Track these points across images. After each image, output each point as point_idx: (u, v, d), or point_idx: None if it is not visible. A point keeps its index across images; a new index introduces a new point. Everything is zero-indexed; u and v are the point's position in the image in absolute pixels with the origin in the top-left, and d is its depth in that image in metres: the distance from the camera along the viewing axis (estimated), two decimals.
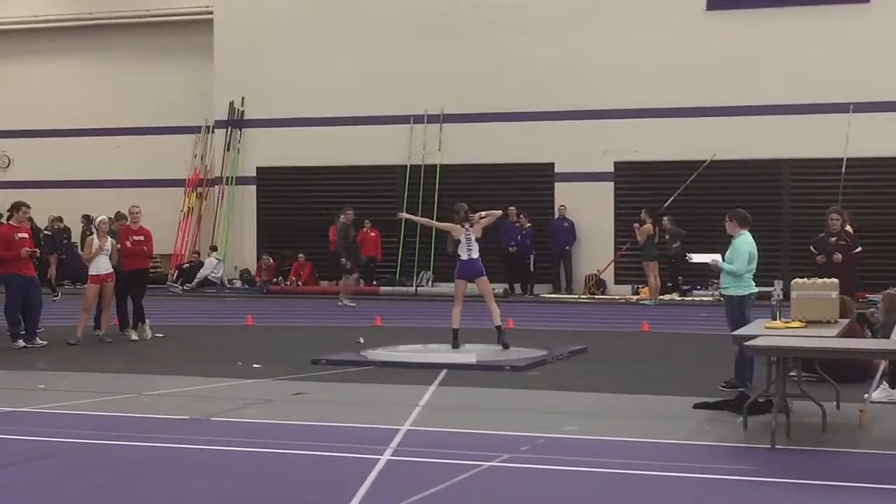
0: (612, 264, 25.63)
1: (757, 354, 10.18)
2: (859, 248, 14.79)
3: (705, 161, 24.54)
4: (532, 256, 25.88)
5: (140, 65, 30.20)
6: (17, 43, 31.28)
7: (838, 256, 14.30)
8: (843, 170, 23.67)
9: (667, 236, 24.25)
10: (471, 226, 14.96)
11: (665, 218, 24.32)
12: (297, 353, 14.80)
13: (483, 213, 15.32)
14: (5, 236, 16.00)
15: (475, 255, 14.92)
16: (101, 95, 30.36)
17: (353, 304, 22.96)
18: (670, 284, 24.56)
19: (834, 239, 14.67)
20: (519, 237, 25.32)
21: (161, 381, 12.68)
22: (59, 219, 28.74)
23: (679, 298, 24.10)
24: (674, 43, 25.42)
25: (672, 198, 24.36)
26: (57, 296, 23.77)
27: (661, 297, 23.63)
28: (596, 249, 25.89)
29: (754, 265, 11.98)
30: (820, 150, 24.24)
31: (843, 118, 23.82)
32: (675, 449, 9.04)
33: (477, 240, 14.97)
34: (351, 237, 23.83)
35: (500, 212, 16.28)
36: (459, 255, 15.01)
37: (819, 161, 24.41)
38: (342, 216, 23.52)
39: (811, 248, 15.22)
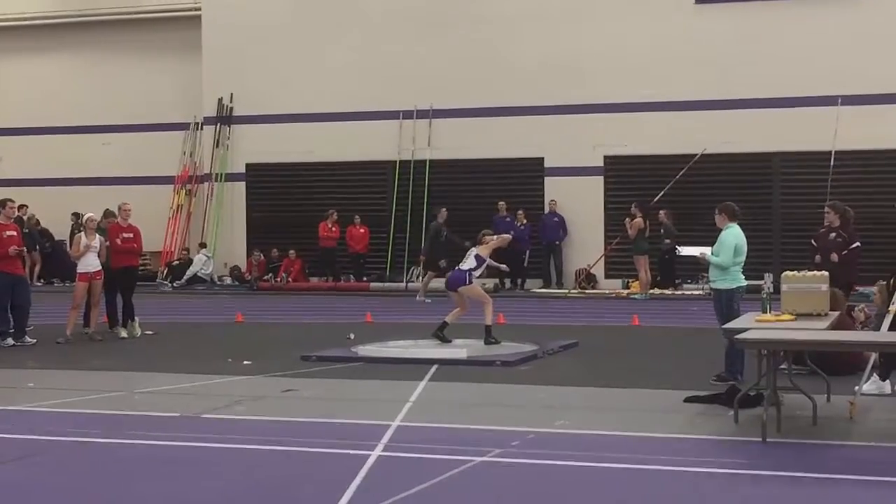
0: (603, 259, 25.64)
1: (748, 348, 10.19)
2: (857, 244, 14.73)
3: (696, 155, 24.54)
4: (528, 252, 25.87)
5: (128, 62, 30.11)
6: (4, 40, 31.14)
7: (834, 257, 14.28)
8: (832, 162, 23.71)
9: (661, 230, 24.24)
10: (476, 244, 15.44)
11: (661, 212, 24.30)
12: (287, 350, 14.78)
13: (495, 237, 15.94)
14: None
15: (464, 266, 15.22)
16: (89, 92, 30.26)
17: (429, 300, 22.83)
18: (659, 278, 24.56)
19: (833, 235, 14.63)
20: (513, 232, 25.20)
21: (151, 379, 12.63)
22: (37, 222, 28.41)
23: (670, 292, 24.08)
24: (664, 37, 25.42)
25: (663, 192, 24.37)
26: None
27: (651, 291, 23.65)
28: (586, 244, 25.88)
29: (742, 258, 11.97)
30: (810, 142, 24.27)
31: (831, 111, 23.86)
32: (667, 443, 9.03)
33: (478, 257, 15.22)
34: (442, 237, 23.70)
35: (509, 237, 17.46)
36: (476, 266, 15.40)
37: (809, 154, 24.44)
38: (438, 216, 23.70)
39: (812, 242, 15.19)
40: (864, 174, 24.13)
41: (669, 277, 24.61)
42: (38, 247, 27.10)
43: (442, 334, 14.95)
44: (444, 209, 24.03)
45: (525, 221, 25.83)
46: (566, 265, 26.14)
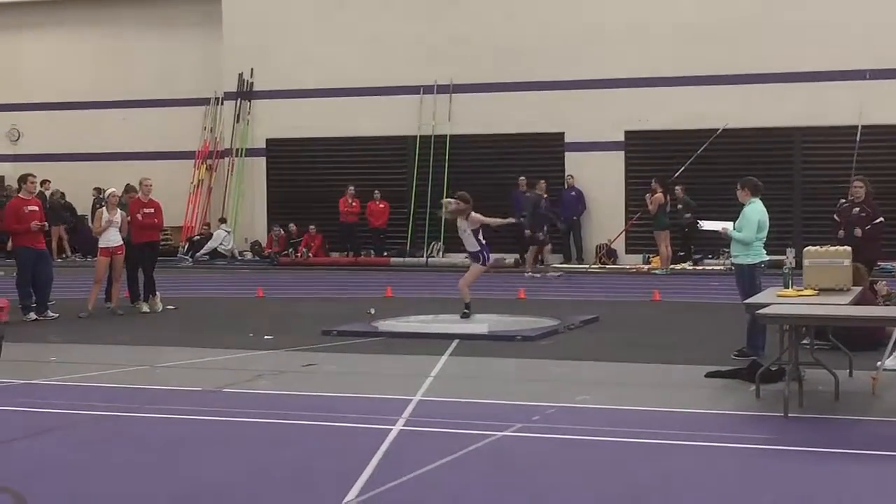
0: (623, 234, 25.57)
1: (769, 322, 10.15)
2: (881, 219, 14.61)
3: (717, 129, 24.40)
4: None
5: (149, 37, 30.10)
6: (26, 16, 31.14)
7: (858, 231, 14.19)
8: (858, 138, 23.52)
9: (679, 205, 24.17)
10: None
11: (677, 187, 24.22)
12: (307, 325, 14.81)
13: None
14: (16, 209, 15.99)
15: (483, 241, 15.25)
16: (110, 68, 30.29)
17: (539, 275, 22.72)
18: (682, 253, 24.51)
19: (857, 210, 14.51)
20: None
21: (173, 353, 12.70)
22: (62, 195, 28.47)
23: (691, 267, 24.03)
24: (685, 10, 25.22)
25: (684, 167, 24.25)
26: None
27: (672, 266, 23.59)
28: (607, 219, 25.81)
29: (764, 233, 11.90)
30: (833, 117, 24.08)
31: (858, 85, 23.66)
32: (688, 418, 9.01)
33: (475, 230, 15.22)
34: (542, 208, 23.58)
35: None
36: (483, 242, 15.17)
37: (831, 129, 24.26)
38: (536, 188, 23.57)
39: (834, 216, 15.08)
40: (889, 149, 23.89)
41: (687, 252, 24.57)
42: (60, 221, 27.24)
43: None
44: (543, 181, 23.95)
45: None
46: (587, 240, 26.08)
